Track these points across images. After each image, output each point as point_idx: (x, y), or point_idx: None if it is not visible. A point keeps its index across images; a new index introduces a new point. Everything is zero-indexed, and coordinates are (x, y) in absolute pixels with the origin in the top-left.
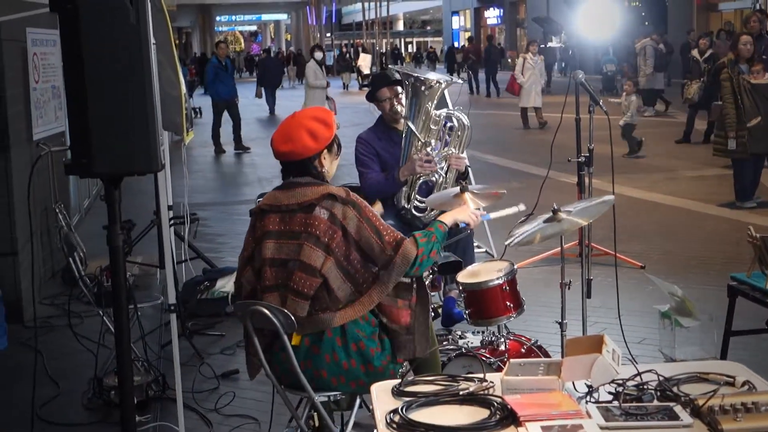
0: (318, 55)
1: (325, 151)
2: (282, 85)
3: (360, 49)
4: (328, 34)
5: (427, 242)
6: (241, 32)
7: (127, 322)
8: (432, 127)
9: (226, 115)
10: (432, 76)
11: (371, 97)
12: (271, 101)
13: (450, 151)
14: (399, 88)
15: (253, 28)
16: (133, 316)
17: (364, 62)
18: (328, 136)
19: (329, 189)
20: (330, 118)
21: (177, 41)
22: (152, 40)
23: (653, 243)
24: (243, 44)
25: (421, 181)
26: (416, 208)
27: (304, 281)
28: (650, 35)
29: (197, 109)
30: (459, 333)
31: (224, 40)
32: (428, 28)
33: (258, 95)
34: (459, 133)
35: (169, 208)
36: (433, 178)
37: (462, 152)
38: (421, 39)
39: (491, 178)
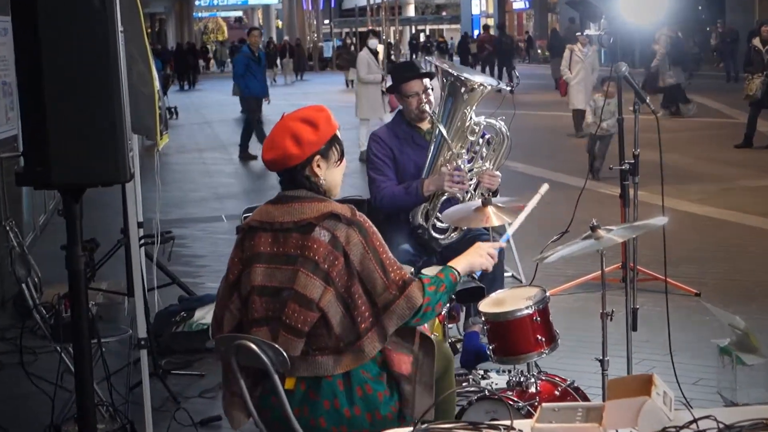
0: (372, 43)
1: (318, 157)
2: (274, 80)
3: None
4: (327, 21)
5: (435, 292)
6: (224, 19)
7: (90, 360)
8: (469, 137)
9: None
10: (477, 78)
11: (394, 89)
12: None
13: (484, 167)
14: (428, 82)
15: (238, 13)
16: (96, 353)
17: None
18: (314, 140)
19: (332, 206)
20: (321, 119)
21: (149, 29)
22: (120, 28)
23: (709, 266)
24: (226, 33)
25: (444, 197)
26: (435, 227)
27: (299, 315)
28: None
29: (172, 109)
30: (481, 372)
31: (256, 27)
32: (443, 13)
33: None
34: (496, 146)
35: (139, 225)
36: (459, 196)
37: (497, 168)
38: (436, 26)
39: (517, 188)
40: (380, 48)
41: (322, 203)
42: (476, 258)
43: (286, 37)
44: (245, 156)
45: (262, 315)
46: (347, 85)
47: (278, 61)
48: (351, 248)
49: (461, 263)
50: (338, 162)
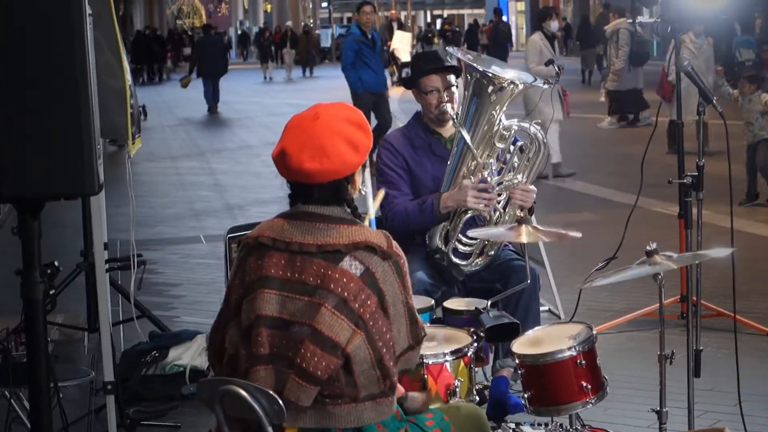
0: (553, 25)
1: (359, 168)
2: (270, 77)
3: (394, 24)
4: (324, 5)
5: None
6: (200, 1)
7: (49, 407)
8: (497, 144)
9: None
10: (508, 74)
11: (411, 84)
12: (211, 95)
13: (516, 180)
14: (453, 78)
15: None
16: (52, 399)
17: (402, 44)
18: (368, 144)
19: (366, 234)
20: (363, 119)
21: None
22: (89, 11)
23: None
24: (204, 17)
25: (468, 216)
26: (457, 252)
27: (319, 360)
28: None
29: (141, 108)
30: (513, 426)
31: (368, 2)
32: None
33: (185, 84)
34: (531, 155)
35: (105, 246)
36: (486, 215)
37: (531, 182)
38: (456, 11)
39: (555, 206)
40: (406, 38)
41: (354, 227)
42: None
43: (288, 23)
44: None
45: (268, 351)
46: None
47: (279, 51)
48: (387, 288)
49: None
50: (364, 171)
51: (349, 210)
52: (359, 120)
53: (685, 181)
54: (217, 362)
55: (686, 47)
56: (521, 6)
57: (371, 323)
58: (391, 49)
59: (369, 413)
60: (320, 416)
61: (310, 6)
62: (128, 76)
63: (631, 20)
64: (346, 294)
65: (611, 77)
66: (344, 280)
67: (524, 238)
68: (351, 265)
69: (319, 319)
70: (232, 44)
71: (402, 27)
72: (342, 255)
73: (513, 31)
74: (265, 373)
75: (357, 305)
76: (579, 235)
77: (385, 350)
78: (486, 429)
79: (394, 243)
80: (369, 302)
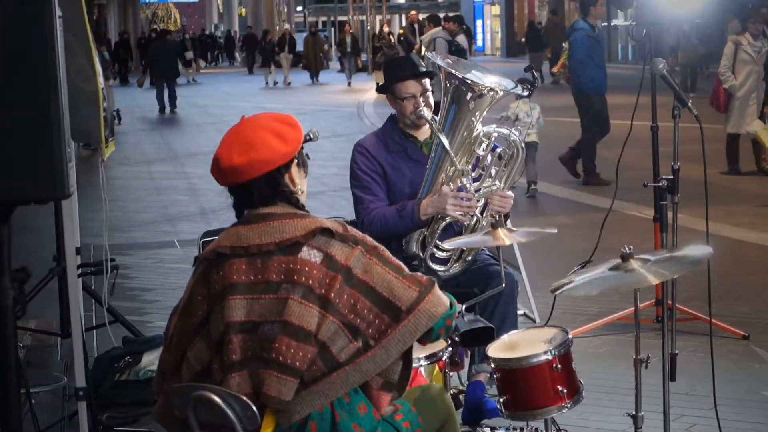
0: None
1: (295, 161)
2: (268, 82)
3: (427, 23)
4: (299, 8)
5: (452, 307)
6: (175, 5)
7: (20, 414)
8: (476, 150)
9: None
10: (488, 80)
11: (386, 89)
12: (162, 97)
13: (494, 186)
14: (428, 82)
15: None
16: (24, 405)
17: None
18: (298, 137)
19: (319, 222)
20: (291, 117)
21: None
22: (59, 12)
23: (761, 303)
24: (179, 21)
25: (446, 222)
26: (434, 258)
27: (296, 351)
28: (443, 23)
29: (115, 112)
30: (488, 430)
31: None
32: (440, 0)
33: (140, 84)
34: (508, 161)
35: (77, 251)
36: (465, 221)
37: (510, 188)
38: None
39: (530, 210)
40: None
41: (307, 219)
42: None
43: (286, 26)
44: (597, 180)
45: (241, 357)
46: (349, 84)
47: (276, 57)
48: (352, 262)
49: None
50: (306, 172)
51: (297, 208)
52: (286, 118)
53: (660, 184)
54: (161, 383)
55: (743, 50)
56: (496, 10)
57: (337, 300)
58: (422, 54)
59: (347, 374)
60: (302, 403)
61: (285, 10)
62: (101, 80)
63: (445, 29)
64: (311, 282)
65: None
66: (306, 269)
67: (502, 241)
68: (310, 254)
69: (287, 312)
70: (188, 47)
71: (436, 22)
72: (300, 245)
73: (482, 36)
74: (240, 379)
75: (323, 290)
76: (554, 230)
77: (359, 320)
78: (449, 407)
79: (354, 230)
80: (334, 283)
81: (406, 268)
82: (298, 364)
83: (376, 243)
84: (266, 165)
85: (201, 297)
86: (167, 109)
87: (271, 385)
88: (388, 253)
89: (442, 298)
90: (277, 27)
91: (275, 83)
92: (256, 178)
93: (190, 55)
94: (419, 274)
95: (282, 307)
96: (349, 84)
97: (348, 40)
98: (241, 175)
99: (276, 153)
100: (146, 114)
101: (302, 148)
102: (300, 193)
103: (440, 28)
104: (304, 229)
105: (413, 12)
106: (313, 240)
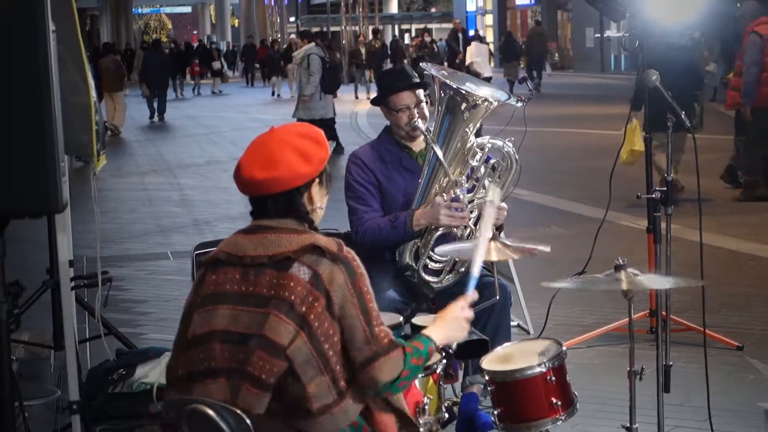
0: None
1: (317, 180)
2: (277, 93)
3: (472, 36)
4: (292, 19)
5: (415, 366)
6: (168, 15)
7: (13, 426)
8: (469, 161)
9: None
10: (482, 91)
11: (381, 101)
12: (153, 104)
13: (487, 198)
14: (422, 93)
15: (186, 9)
16: (18, 418)
17: (480, 57)
18: (323, 156)
19: (315, 239)
20: (320, 135)
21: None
22: (52, 27)
23: (756, 313)
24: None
25: (439, 233)
26: (427, 269)
27: (264, 364)
28: (315, 39)
29: (110, 125)
30: None
31: None
32: (432, 10)
33: (145, 94)
34: (502, 173)
35: (70, 263)
36: (459, 232)
37: (503, 199)
38: (422, 25)
39: (523, 221)
40: (483, 50)
41: (303, 235)
42: (457, 332)
43: (292, 36)
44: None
45: (222, 365)
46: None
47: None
48: (334, 289)
49: (439, 334)
50: (327, 190)
51: (306, 225)
52: (313, 134)
53: (653, 196)
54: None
55: None
56: (489, 20)
57: (316, 324)
58: (467, 63)
59: (327, 422)
60: (276, 429)
61: (278, 21)
62: (93, 93)
63: (318, 46)
64: (293, 298)
65: (302, 106)
66: (292, 284)
67: (493, 256)
68: (299, 271)
69: (267, 326)
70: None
71: (479, 38)
72: (291, 261)
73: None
74: (216, 387)
75: (304, 308)
76: (548, 249)
77: (332, 353)
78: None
79: (346, 248)
80: (316, 304)
81: (377, 317)
82: (264, 376)
83: (363, 270)
84: (285, 184)
85: (198, 299)
86: (155, 116)
87: (244, 397)
88: (369, 289)
89: (395, 365)
90: (270, 38)
91: (278, 96)
92: (272, 195)
93: (217, 65)
94: (385, 330)
95: (264, 321)
96: (356, 96)
97: (363, 50)
98: (260, 189)
99: (296, 174)
100: (139, 125)
101: (326, 167)
102: (317, 209)
103: (313, 44)
104: (298, 245)
105: (457, 20)
106: (304, 257)
